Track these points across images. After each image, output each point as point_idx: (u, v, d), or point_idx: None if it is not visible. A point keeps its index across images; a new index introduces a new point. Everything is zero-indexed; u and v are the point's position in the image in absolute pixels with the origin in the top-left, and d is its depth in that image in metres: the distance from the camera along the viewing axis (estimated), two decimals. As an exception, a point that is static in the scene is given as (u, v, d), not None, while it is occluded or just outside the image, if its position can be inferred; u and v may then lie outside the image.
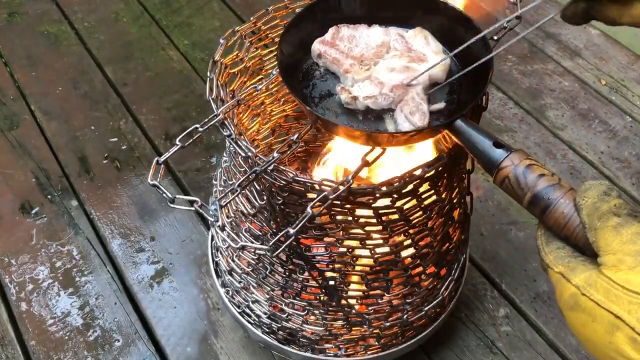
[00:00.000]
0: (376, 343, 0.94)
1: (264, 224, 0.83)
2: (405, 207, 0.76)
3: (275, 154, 0.70)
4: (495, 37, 0.82)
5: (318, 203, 0.67)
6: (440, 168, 0.73)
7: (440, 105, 0.75)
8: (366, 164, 0.75)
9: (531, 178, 0.57)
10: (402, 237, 0.80)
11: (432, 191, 0.77)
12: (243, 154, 0.72)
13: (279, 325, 0.94)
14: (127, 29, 1.77)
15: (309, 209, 0.66)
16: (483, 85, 0.71)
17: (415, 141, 0.73)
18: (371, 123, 0.75)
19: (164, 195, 0.65)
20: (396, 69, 0.76)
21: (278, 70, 0.76)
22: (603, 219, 0.51)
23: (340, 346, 0.93)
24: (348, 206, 0.74)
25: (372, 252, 0.80)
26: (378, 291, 0.86)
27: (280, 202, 0.75)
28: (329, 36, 0.80)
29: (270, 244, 0.66)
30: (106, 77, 1.63)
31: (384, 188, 0.71)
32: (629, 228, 0.49)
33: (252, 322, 0.98)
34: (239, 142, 0.73)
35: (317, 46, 0.80)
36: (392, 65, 0.77)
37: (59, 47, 1.71)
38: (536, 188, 0.56)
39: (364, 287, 0.85)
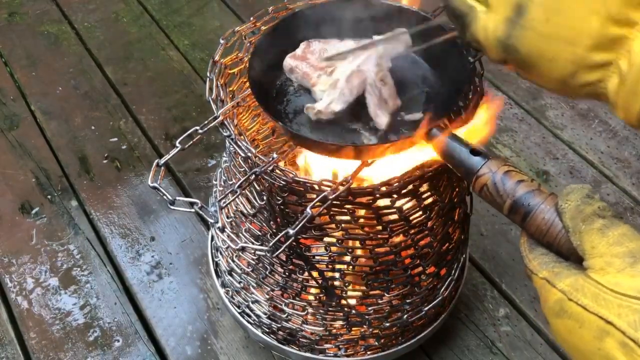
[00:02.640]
0: (376, 343, 0.94)
1: (264, 224, 0.83)
2: (405, 207, 0.76)
3: (275, 155, 0.70)
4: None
5: (318, 203, 0.67)
6: (440, 168, 0.73)
7: (417, 115, 0.74)
8: (366, 164, 0.75)
9: (510, 184, 0.56)
10: (402, 237, 0.80)
11: (432, 191, 0.77)
12: (243, 154, 0.72)
13: (279, 326, 0.94)
14: (127, 29, 1.77)
15: (308, 210, 0.66)
16: (460, 93, 0.71)
17: (393, 152, 0.71)
18: (347, 137, 0.74)
19: (164, 197, 0.65)
20: (350, 59, 0.75)
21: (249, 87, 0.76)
22: (587, 222, 0.49)
23: (340, 346, 0.93)
24: (348, 206, 0.74)
25: (372, 252, 0.80)
26: (378, 291, 0.86)
27: (280, 202, 0.75)
28: (300, 51, 0.80)
29: (270, 244, 0.66)
30: (106, 77, 1.63)
31: (383, 188, 0.71)
32: (615, 229, 0.47)
33: (252, 322, 0.98)
34: (238, 142, 0.73)
35: (288, 61, 0.80)
36: (349, 58, 0.76)
37: (59, 47, 1.71)
38: (515, 194, 0.55)
39: (364, 287, 0.85)
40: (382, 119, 0.74)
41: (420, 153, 0.71)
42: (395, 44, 0.76)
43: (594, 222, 0.49)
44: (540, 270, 0.52)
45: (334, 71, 0.77)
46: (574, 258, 0.51)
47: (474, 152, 0.60)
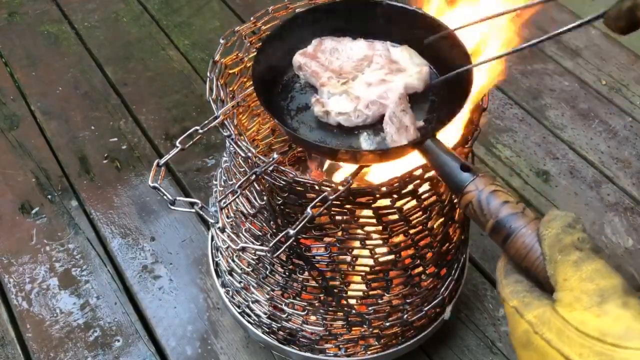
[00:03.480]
0: (376, 343, 0.94)
1: (264, 224, 0.83)
2: (405, 207, 0.76)
3: (275, 155, 0.70)
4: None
5: (318, 203, 0.67)
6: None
7: (418, 123, 0.74)
8: (366, 165, 0.75)
9: (494, 205, 0.55)
10: (402, 237, 0.80)
11: (432, 191, 0.77)
12: (243, 155, 0.72)
13: (279, 325, 0.94)
14: (127, 29, 1.77)
15: (309, 210, 0.66)
16: (461, 104, 0.70)
17: (387, 160, 0.71)
18: (345, 139, 0.74)
19: (165, 197, 0.65)
20: (373, 84, 0.75)
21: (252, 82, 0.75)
22: (564, 253, 0.49)
23: (340, 346, 0.93)
24: (348, 206, 0.74)
25: (372, 252, 0.80)
26: (378, 291, 0.86)
27: (280, 202, 0.75)
28: (311, 48, 0.80)
29: (271, 245, 0.66)
30: (106, 77, 1.63)
31: (383, 188, 0.71)
32: (590, 264, 0.47)
33: (252, 322, 0.98)
34: (238, 142, 0.73)
35: (297, 58, 0.79)
36: (370, 79, 0.76)
37: (59, 47, 1.71)
38: (499, 215, 0.55)
39: (364, 287, 0.85)
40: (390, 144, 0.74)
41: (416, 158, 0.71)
42: (416, 78, 0.75)
43: (570, 253, 0.48)
44: (511, 299, 0.51)
45: (347, 82, 0.76)
46: (548, 286, 0.50)
47: (464, 167, 0.59)
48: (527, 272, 0.53)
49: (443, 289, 0.93)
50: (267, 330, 0.97)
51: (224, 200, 0.70)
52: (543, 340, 0.46)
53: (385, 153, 0.70)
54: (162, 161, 0.68)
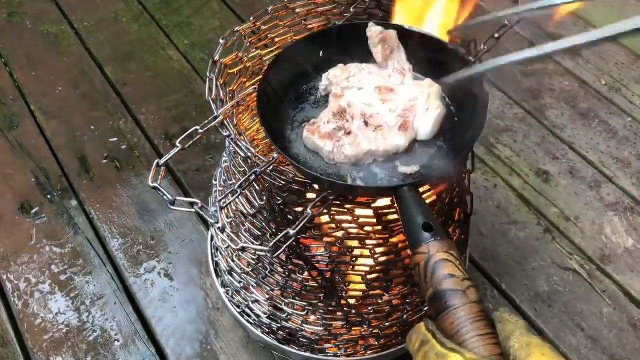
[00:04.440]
0: (376, 343, 0.94)
1: (264, 224, 0.83)
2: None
3: (275, 155, 0.70)
4: (497, 35, 0.82)
5: (318, 203, 0.67)
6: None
7: (410, 169, 0.72)
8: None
9: (439, 275, 0.54)
10: (402, 237, 0.80)
11: (432, 191, 0.77)
12: (243, 155, 0.72)
13: (279, 325, 0.94)
14: (127, 29, 1.77)
15: (309, 210, 0.66)
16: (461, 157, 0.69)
17: (360, 196, 0.72)
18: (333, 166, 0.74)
19: (164, 197, 0.65)
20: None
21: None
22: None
23: (340, 346, 0.93)
24: (348, 206, 0.74)
25: (372, 252, 0.80)
26: (378, 291, 0.86)
27: (280, 202, 0.75)
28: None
29: (271, 245, 0.66)
30: (106, 77, 1.63)
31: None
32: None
33: (252, 322, 0.98)
34: (238, 142, 0.73)
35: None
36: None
37: (59, 47, 1.71)
38: (439, 287, 0.54)
39: (364, 287, 0.85)
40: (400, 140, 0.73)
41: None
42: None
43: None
44: (450, 343, 0.50)
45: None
46: None
47: (426, 227, 0.58)
48: None
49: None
50: (267, 330, 0.97)
51: (223, 200, 0.70)
52: None
53: (354, 190, 0.70)
54: (162, 161, 0.68)
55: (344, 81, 0.77)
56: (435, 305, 0.53)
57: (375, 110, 0.75)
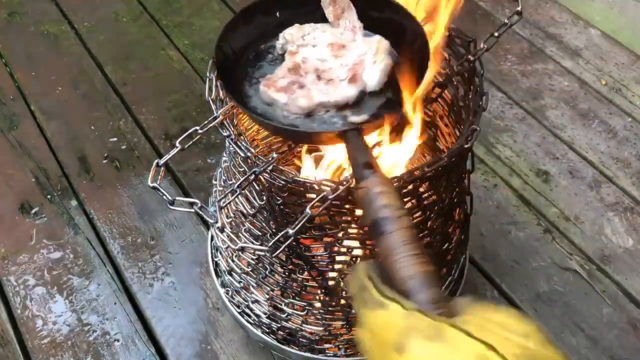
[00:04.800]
0: (376, 343, 0.93)
1: (264, 224, 0.83)
2: (405, 207, 0.76)
3: (275, 155, 0.70)
4: (496, 34, 0.82)
5: (317, 203, 0.67)
6: (440, 168, 0.73)
7: (360, 117, 0.74)
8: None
9: (376, 205, 0.59)
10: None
11: (432, 191, 0.77)
12: (242, 155, 0.72)
13: (279, 325, 0.94)
14: (127, 29, 1.77)
15: (308, 210, 0.66)
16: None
17: (314, 142, 0.78)
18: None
19: (164, 197, 0.65)
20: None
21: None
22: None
23: (340, 346, 0.93)
24: (347, 206, 0.74)
25: (372, 252, 0.80)
26: (378, 291, 0.86)
27: (279, 202, 0.75)
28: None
29: (270, 244, 0.66)
30: (106, 77, 1.63)
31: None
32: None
33: (252, 322, 0.98)
34: (238, 142, 0.73)
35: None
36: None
37: (59, 47, 1.71)
38: (376, 215, 0.58)
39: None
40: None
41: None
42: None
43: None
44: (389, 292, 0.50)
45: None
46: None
47: (366, 165, 0.64)
48: (383, 271, 0.55)
49: (443, 288, 0.93)
50: (267, 330, 0.97)
51: (223, 200, 0.70)
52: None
53: (305, 136, 0.75)
54: (162, 161, 0.68)
55: (299, 39, 0.81)
56: (373, 232, 0.58)
57: (328, 65, 0.79)
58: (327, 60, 0.79)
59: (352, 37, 0.81)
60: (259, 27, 0.83)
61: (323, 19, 0.84)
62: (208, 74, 0.79)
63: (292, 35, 0.81)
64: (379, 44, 0.79)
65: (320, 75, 0.77)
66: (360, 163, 0.64)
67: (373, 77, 0.75)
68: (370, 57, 0.77)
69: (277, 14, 0.84)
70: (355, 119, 0.74)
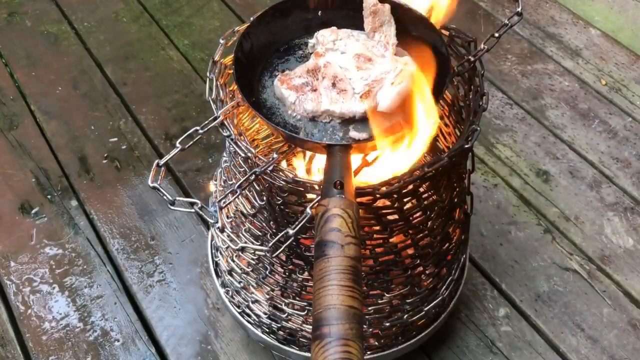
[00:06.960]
0: (376, 343, 0.94)
1: (264, 224, 0.83)
2: (405, 207, 0.76)
3: (275, 155, 0.70)
4: (497, 35, 0.82)
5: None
6: (441, 168, 0.73)
7: (361, 135, 0.74)
8: (366, 163, 0.75)
9: (327, 226, 0.59)
10: (402, 237, 0.80)
11: (432, 191, 0.77)
12: (243, 155, 0.72)
13: (279, 325, 0.94)
14: (127, 29, 1.77)
15: (308, 210, 0.66)
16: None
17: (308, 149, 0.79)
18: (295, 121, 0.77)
19: (164, 197, 0.65)
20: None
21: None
22: None
23: (340, 346, 0.93)
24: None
25: (372, 252, 0.80)
26: (378, 291, 0.86)
27: (280, 202, 0.75)
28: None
29: (270, 244, 0.66)
30: (106, 77, 1.63)
31: (384, 188, 0.71)
32: None
33: (252, 322, 0.98)
34: (238, 142, 0.73)
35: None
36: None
37: (59, 47, 1.71)
38: (324, 237, 0.58)
39: (364, 287, 0.85)
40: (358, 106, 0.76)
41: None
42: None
43: None
44: None
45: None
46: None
47: (336, 185, 0.64)
48: None
49: (443, 288, 0.93)
50: (267, 330, 0.97)
51: (223, 200, 0.70)
52: None
53: (292, 138, 0.75)
54: (162, 161, 0.68)
55: (329, 43, 0.81)
56: (316, 252, 0.58)
57: (348, 75, 0.78)
58: (349, 70, 0.78)
59: (382, 53, 0.80)
60: (297, 22, 0.84)
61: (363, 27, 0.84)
62: (208, 74, 0.80)
63: (324, 37, 0.81)
64: (406, 66, 0.77)
65: (336, 84, 0.76)
66: (331, 180, 0.64)
67: (386, 98, 0.74)
68: (391, 77, 0.75)
69: (319, 13, 0.85)
70: (355, 135, 0.74)
